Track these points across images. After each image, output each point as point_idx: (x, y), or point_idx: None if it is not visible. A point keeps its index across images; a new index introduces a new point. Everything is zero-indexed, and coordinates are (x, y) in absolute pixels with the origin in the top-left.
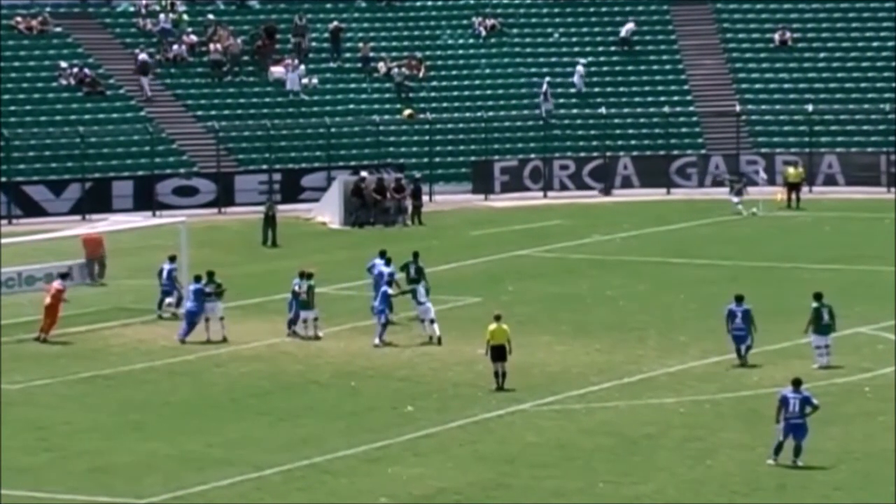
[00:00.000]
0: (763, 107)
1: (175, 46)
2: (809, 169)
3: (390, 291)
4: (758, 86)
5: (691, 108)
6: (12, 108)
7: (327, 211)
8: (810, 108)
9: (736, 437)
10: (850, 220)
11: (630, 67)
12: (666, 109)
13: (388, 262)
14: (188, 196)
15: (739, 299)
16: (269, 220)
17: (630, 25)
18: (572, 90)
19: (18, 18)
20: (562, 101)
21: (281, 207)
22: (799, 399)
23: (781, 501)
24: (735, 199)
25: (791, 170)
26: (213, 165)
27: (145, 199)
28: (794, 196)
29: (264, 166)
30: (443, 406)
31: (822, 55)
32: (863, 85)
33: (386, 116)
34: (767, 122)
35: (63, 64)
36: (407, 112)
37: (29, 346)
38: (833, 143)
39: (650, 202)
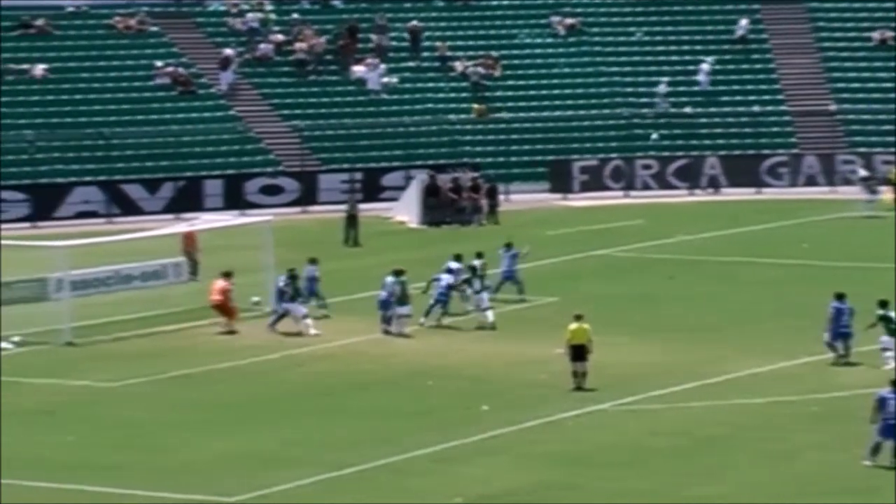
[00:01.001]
0: (860, 106)
1: (262, 45)
2: None
3: (451, 281)
4: (854, 85)
5: (783, 108)
6: (111, 107)
7: (405, 210)
8: None
9: (825, 438)
10: None
11: (731, 66)
12: (756, 108)
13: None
14: (274, 195)
15: (840, 297)
16: (351, 220)
17: (744, 22)
18: (654, 89)
19: (117, 18)
20: (644, 100)
21: (361, 206)
22: None
23: (870, 502)
24: (868, 197)
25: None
26: (297, 164)
27: (234, 198)
28: None
29: (345, 165)
30: (515, 405)
31: None
32: None
33: (462, 116)
34: (864, 122)
35: (158, 63)
36: (477, 108)
37: (118, 345)
38: None
39: (738, 202)
